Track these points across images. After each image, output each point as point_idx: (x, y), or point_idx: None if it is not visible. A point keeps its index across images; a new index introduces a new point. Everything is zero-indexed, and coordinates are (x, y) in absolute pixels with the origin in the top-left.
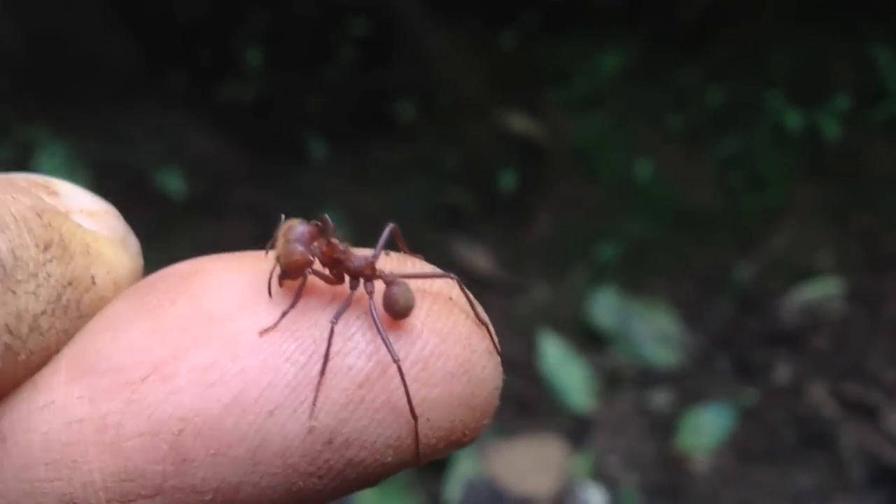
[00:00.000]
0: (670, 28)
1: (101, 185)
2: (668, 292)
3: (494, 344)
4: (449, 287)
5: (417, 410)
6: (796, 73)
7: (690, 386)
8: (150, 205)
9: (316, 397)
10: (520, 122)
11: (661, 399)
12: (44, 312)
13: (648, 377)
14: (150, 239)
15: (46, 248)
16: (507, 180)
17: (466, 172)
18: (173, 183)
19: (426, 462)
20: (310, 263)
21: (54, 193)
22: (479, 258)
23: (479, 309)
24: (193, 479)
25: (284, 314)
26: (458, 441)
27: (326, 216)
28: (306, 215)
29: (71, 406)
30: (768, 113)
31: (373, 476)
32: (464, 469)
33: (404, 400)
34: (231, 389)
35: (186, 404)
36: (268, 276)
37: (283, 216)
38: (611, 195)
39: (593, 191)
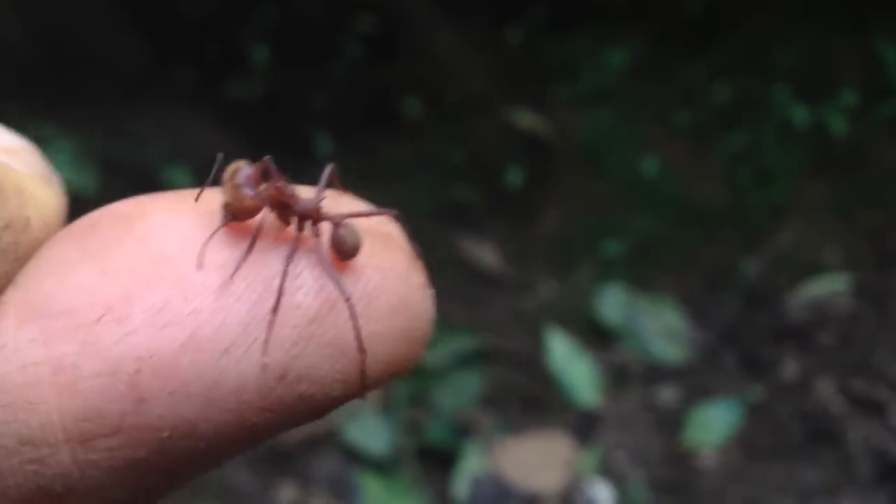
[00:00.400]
0: (677, 24)
1: (109, 181)
2: (675, 288)
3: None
4: (385, 222)
5: (350, 347)
6: (803, 69)
7: (697, 382)
8: None
9: (268, 334)
10: (526, 119)
11: (668, 395)
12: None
13: (655, 373)
14: None
15: None
16: (514, 177)
17: (473, 169)
18: (180, 179)
19: (367, 393)
20: (260, 208)
21: None
22: (486, 254)
23: (414, 245)
24: (151, 417)
25: (238, 268)
26: (398, 373)
27: (269, 158)
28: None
29: (24, 349)
30: (775, 109)
31: (321, 409)
32: (471, 465)
33: (351, 335)
34: (185, 329)
35: (142, 345)
36: (213, 216)
37: (220, 155)
38: (617, 191)
39: (600, 187)
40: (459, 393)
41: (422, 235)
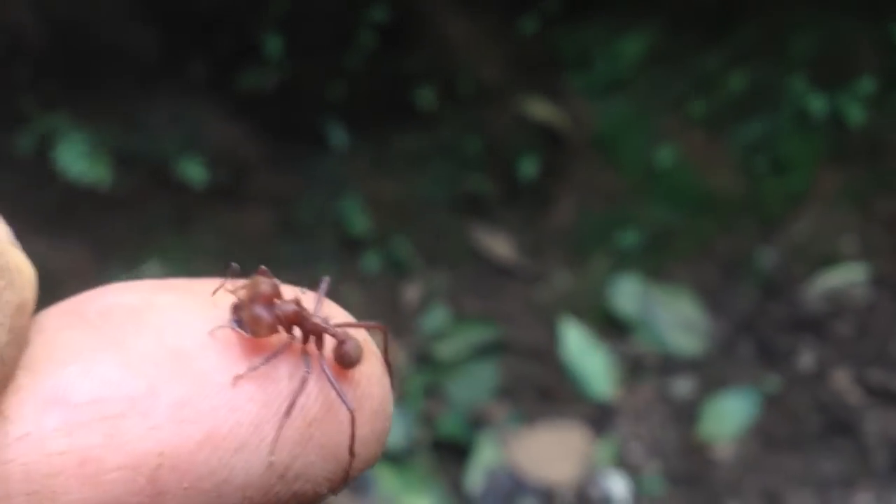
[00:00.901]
0: (692, 12)
1: (122, 174)
2: (690, 279)
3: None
4: (363, 333)
5: (345, 451)
6: (820, 58)
7: (713, 373)
8: (171, 194)
9: (278, 435)
10: (540, 109)
11: (683, 386)
12: (7, 343)
13: (671, 364)
14: (172, 228)
15: (1, 274)
16: (528, 167)
17: (487, 159)
18: (194, 171)
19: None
20: (276, 330)
21: None
22: (500, 245)
23: (388, 353)
24: None
25: (252, 369)
26: (368, 467)
27: (274, 280)
28: (326, 204)
29: (49, 438)
30: (791, 97)
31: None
32: (485, 457)
33: (342, 438)
34: (203, 426)
35: (164, 439)
36: (219, 312)
37: (234, 265)
38: (632, 181)
39: (615, 177)
40: (474, 385)
41: (436, 227)
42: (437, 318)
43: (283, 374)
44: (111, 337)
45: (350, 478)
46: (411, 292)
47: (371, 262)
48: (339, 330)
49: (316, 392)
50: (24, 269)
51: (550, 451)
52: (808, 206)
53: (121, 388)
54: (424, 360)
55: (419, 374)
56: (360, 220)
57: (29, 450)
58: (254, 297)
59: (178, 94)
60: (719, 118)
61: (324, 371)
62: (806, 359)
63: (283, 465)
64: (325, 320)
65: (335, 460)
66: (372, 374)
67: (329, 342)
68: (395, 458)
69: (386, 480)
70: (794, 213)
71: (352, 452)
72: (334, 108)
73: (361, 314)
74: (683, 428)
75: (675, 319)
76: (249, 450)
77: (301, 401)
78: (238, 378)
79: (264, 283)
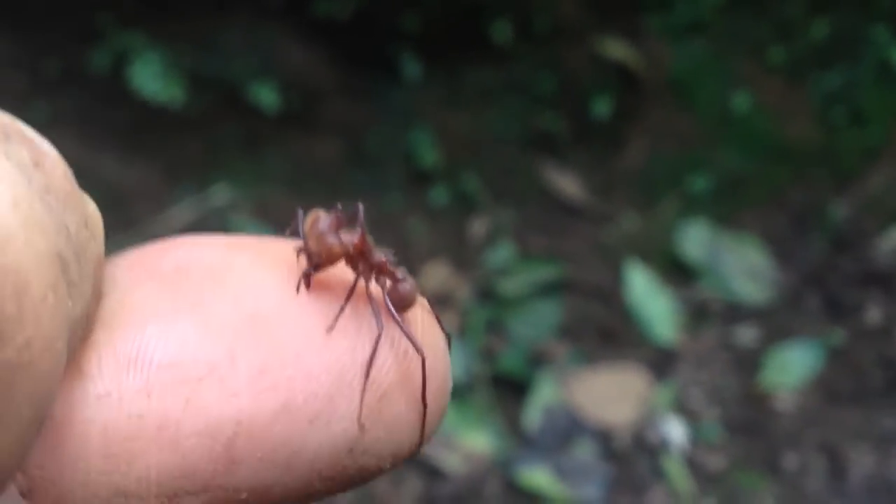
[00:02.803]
0: None
1: (195, 95)
2: (760, 227)
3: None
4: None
5: (412, 424)
6: None
7: (778, 323)
8: (242, 117)
9: (361, 408)
10: (617, 49)
11: (747, 335)
12: (92, 297)
13: (735, 312)
14: (242, 152)
15: (86, 223)
16: (602, 107)
17: (560, 98)
18: (266, 96)
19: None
20: (347, 254)
21: (31, 141)
22: (569, 184)
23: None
24: (237, 479)
25: (339, 315)
26: (435, 428)
27: (341, 207)
28: (396, 135)
29: (129, 399)
30: (873, 48)
31: (370, 478)
32: (544, 395)
33: (412, 414)
34: (280, 396)
35: (242, 408)
36: (295, 270)
37: (300, 210)
38: (706, 126)
39: (688, 121)
40: (536, 322)
41: (506, 163)
42: (502, 254)
43: (354, 328)
44: (190, 297)
45: (424, 439)
46: (478, 227)
47: (439, 195)
48: (396, 268)
49: (384, 360)
50: (100, 222)
51: (609, 392)
52: (884, 160)
53: (201, 353)
54: (488, 295)
55: (482, 310)
56: (429, 153)
57: (109, 410)
58: (316, 223)
59: (253, 18)
60: (798, 66)
61: (390, 314)
62: (873, 314)
63: (353, 439)
64: (387, 254)
65: (401, 435)
66: (438, 346)
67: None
68: (454, 392)
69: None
70: (870, 166)
71: (424, 401)
72: (409, 39)
73: (428, 247)
74: (745, 377)
75: (742, 267)
76: (322, 422)
77: (374, 371)
78: (330, 330)
79: (325, 213)
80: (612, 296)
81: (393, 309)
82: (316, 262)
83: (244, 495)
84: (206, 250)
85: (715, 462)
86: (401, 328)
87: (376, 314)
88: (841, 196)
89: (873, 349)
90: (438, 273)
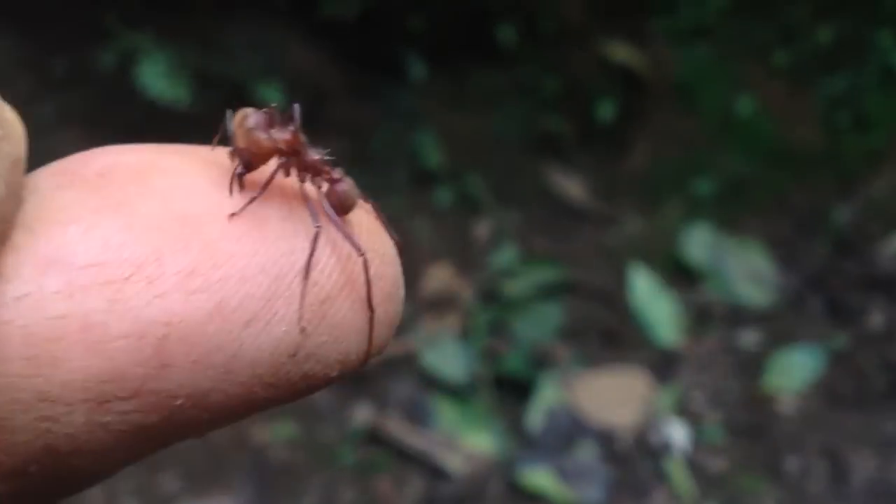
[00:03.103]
0: None
1: (202, 95)
2: (763, 231)
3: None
4: (362, 203)
5: (358, 328)
6: None
7: (781, 326)
8: None
9: (301, 309)
10: (621, 52)
11: (750, 338)
12: (5, 197)
13: (738, 315)
14: None
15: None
16: (606, 110)
17: (565, 100)
18: (272, 96)
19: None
20: (274, 152)
21: None
22: (573, 187)
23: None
24: (170, 383)
25: (251, 200)
26: (377, 355)
27: (276, 105)
28: (401, 136)
29: (49, 300)
30: (877, 53)
31: (316, 387)
32: (546, 397)
33: (358, 318)
34: (213, 297)
35: (172, 309)
36: (226, 172)
37: (229, 111)
38: (710, 130)
39: (693, 124)
40: (539, 324)
41: (510, 165)
42: (506, 255)
43: (291, 230)
44: (113, 198)
45: (371, 350)
46: (482, 229)
47: (443, 196)
48: (331, 167)
49: (326, 261)
50: (16, 125)
51: (612, 394)
52: (888, 164)
53: (125, 253)
54: (491, 296)
55: (485, 311)
56: (434, 154)
57: (28, 311)
58: (246, 120)
59: (260, 18)
60: (803, 70)
61: (328, 217)
62: (875, 318)
63: (294, 343)
64: (321, 152)
65: (347, 340)
66: (385, 251)
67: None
68: (456, 392)
69: (447, 414)
70: (873, 170)
71: (371, 306)
72: (415, 41)
73: (432, 248)
74: (747, 380)
75: (745, 271)
76: (260, 325)
77: (314, 274)
78: (233, 216)
79: (255, 110)
80: (615, 298)
81: (331, 210)
82: (246, 161)
83: (179, 401)
84: (132, 154)
85: (717, 464)
86: (339, 228)
87: (313, 214)
88: (844, 200)
89: (875, 353)
90: (442, 274)
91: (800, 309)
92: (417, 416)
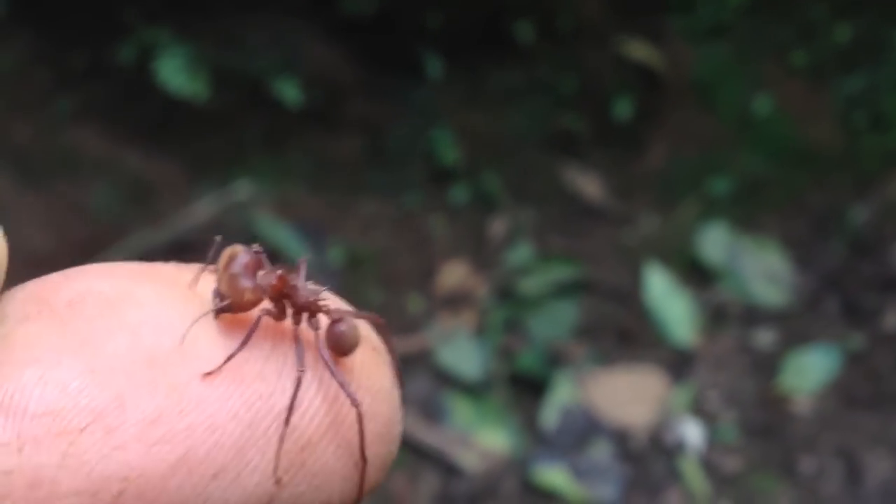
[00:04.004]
0: None
1: (219, 91)
2: (779, 230)
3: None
4: (369, 331)
5: (343, 475)
6: None
7: (797, 327)
8: (265, 114)
9: (277, 461)
10: (639, 50)
11: (765, 338)
12: None
13: (754, 315)
14: (265, 148)
15: None
16: (623, 108)
17: (582, 98)
18: (290, 92)
19: None
20: (259, 301)
21: None
22: (589, 185)
23: (396, 357)
24: None
25: (230, 357)
26: (365, 498)
27: (257, 247)
28: (418, 133)
29: None
30: None
31: None
32: (561, 395)
33: (342, 464)
34: (177, 448)
35: (130, 462)
36: (208, 308)
37: (217, 238)
38: (727, 129)
39: (710, 123)
40: (554, 322)
41: (526, 163)
42: (521, 253)
43: (273, 371)
44: (79, 334)
45: (363, 494)
46: (497, 227)
47: (459, 194)
48: (331, 307)
49: (308, 404)
50: None
51: (627, 393)
52: None
53: (83, 399)
54: (507, 294)
55: (501, 309)
56: (450, 152)
57: None
58: (231, 263)
59: (278, 14)
60: (820, 69)
61: (321, 356)
62: (892, 319)
63: (268, 495)
64: (316, 292)
65: (330, 488)
66: (380, 387)
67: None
68: (471, 390)
69: (461, 410)
70: (891, 170)
71: (363, 456)
72: (432, 38)
73: (448, 246)
74: (762, 379)
75: (761, 270)
76: (229, 476)
77: (294, 418)
78: (208, 375)
79: (243, 250)
80: (630, 297)
81: (325, 350)
82: (230, 306)
83: None
84: (107, 280)
85: (731, 464)
86: (330, 370)
87: (299, 355)
88: (861, 200)
89: (892, 354)
90: (457, 271)
91: (816, 309)
92: (432, 412)
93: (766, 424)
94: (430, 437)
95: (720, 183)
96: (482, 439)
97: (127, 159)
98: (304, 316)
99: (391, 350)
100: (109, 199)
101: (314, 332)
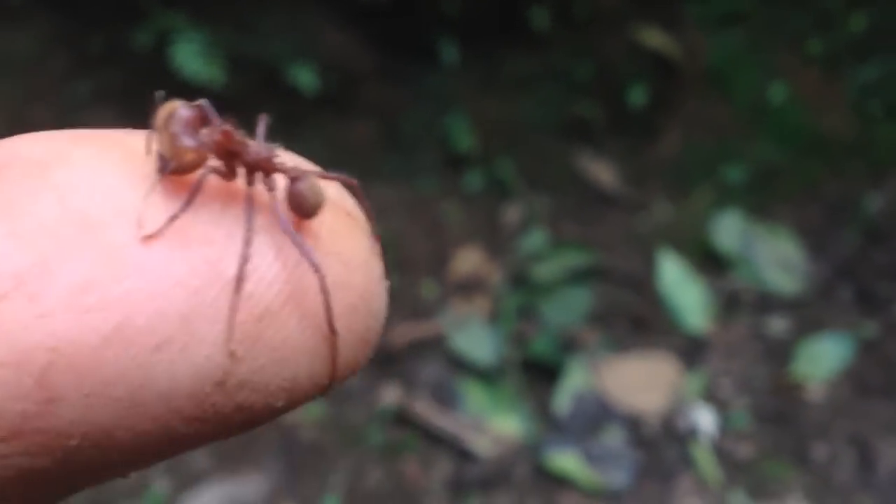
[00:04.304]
0: None
1: (235, 76)
2: (793, 219)
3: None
4: (343, 194)
5: (310, 350)
6: None
7: (810, 314)
8: (280, 99)
9: (230, 329)
10: (654, 37)
11: (778, 325)
12: None
13: (767, 303)
14: (280, 133)
15: None
16: (638, 96)
17: (597, 85)
18: (305, 78)
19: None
20: (203, 161)
21: None
22: (603, 172)
23: (374, 224)
24: (60, 421)
25: (173, 218)
26: (344, 378)
27: (205, 101)
28: (433, 119)
29: None
30: None
31: (257, 420)
32: (574, 381)
33: (308, 338)
34: (112, 317)
35: (58, 332)
36: (147, 165)
37: (157, 93)
38: (742, 117)
39: (724, 111)
40: (568, 308)
41: (540, 149)
42: (535, 240)
43: (222, 234)
44: (2, 198)
45: (336, 375)
46: (511, 213)
47: (473, 180)
48: (288, 165)
49: (265, 270)
50: None
51: (639, 379)
52: None
53: (3, 264)
54: (520, 280)
55: (514, 295)
56: (465, 138)
57: None
58: (171, 121)
59: (293, 0)
60: (836, 58)
61: (278, 218)
62: None
63: (221, 369)
64: (269, 149)
65: (293, 364)
66: (353, 255)
67: (279, 185)
68: (484, 375)
69: (474, 395)
70: None
71: (332, 329)
72: (447, 24)
73: (461, 231)
74: (775, 367)
75: (775, 258)
76: (173, 349)
77: (248, 285)
78: (148, 238)
79: (183, 105)
80: (643, 284)
81: (283, 213)
82: (172, 168)
83: (74, 441)
84: (41, 144)
85: (743, 451)
86: (287, 233)
87: (248, 214)
88: (875, 189)
89: None
90: (472, 257)
91: (829, 297)
92: (445, 397)
93: (779, 411)
94: (443, 422)
95: (734, 171)
96: (495, 424)
97: None
98: (260, 177)
99: (369, 216)
100: None
101: (270, 192)
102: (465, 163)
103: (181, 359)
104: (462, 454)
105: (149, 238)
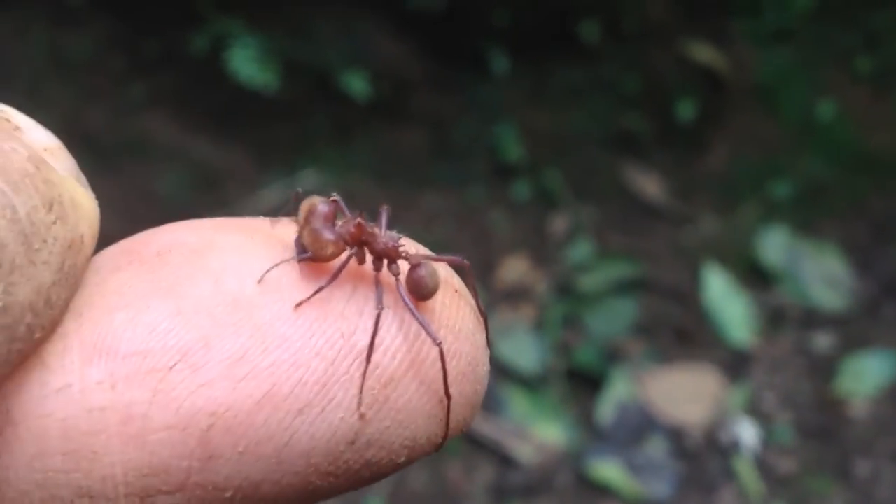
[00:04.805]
0: None
1: (289, 82)
2: (840, 235)
3: (489, 337)
4: (451, 273)
5: (428, 412)
6: None
7: (855, 331)
8: (333, 105)
9: (361, 396)
10: (704, 52)
11: (823, 341)
12: (54, 283)
13: (812, 318)
14: (331, 139)
15: (51, 207)
16: (686, 109)
17: (645, 98)
18: (358, 85)
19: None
20: (342, 251)
21: (17, 129)
22: (651, 185)
23: (479, 300)
24: (217, 476)
25: (318, 291)
26: (454, 437)
27: (337, 196)
28: (482, 129)
29: (90, 392)
30: None
31: (382, 474)
32: (618, 391)
33: (426, 401)
34: (262, 384)
35: (217, 398)
36: (288, 253)
37: (297, 189)
38: (790, 133)
39: (772, 127)
40: (613, 319)
41: (588, 161)
42: (581, 250)
43: (354, 311)
44: (166, 281)
45: (449, 430)
46: (558, 223)
47: (521, 190)
48: (411, 252)
49: (390, 342)
50: (82, 205)
51: (683, 391)
52: None
53: (171, 339)
54: (566, 290)
55: (559, 304)
56: (514, 148)
57: (68, 403)
58: (311, 216)
59: (347, 8)
60: (885, 76)
61: (401, 298)
62: None
63: (353, 430)
64: (395, 238)
65: (414, 424)
66: (462, 326)
67: (403, 269)
68: (528, 383)
69: (519, 403)
70: None
71: (447, 393)
72: (499, 35)
73: (508, 240)
74: (819, 382)
75: (821, 274)
76: (314, 412)
77: (376, 356)
78: (298, 306)
79: (321, 202)
80: (688, 297)
81: (405, 293)
82: (310, 257)
83: (229, 493)
84: (193, 232)
85: (786, 465)
86: (410, 311)
87: (378, 295)
88: None
89: None
90: (518, 266)
91: (874, 314)
92: (489, 404)
93: (822, 427)
94: (486, 428)
95: (781, 186)
96: (538, 432)
97: (197, 147)
98: (385, 263)
99: (474, 292)
100: (179, 185)
101: (394, 277)
102: (513, 172)
103: (319, 421)
104: (504, 460)
105: (297, 307)
